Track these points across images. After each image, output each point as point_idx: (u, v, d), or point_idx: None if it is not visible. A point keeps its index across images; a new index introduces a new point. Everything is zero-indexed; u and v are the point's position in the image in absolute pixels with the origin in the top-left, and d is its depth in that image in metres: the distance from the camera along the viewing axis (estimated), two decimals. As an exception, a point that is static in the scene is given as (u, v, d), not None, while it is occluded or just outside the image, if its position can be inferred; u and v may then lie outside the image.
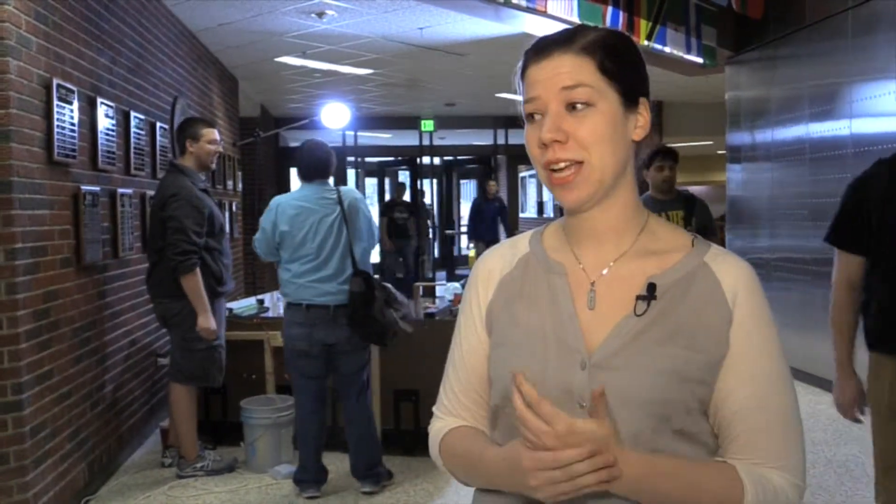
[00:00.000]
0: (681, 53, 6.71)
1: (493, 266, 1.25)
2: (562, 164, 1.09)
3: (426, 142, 12.89)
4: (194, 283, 4.16)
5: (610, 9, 5.86)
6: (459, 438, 1.23)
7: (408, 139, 13.53)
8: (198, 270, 4.17)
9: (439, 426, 1.27)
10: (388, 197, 15.07)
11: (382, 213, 11.60)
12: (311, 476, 4.10)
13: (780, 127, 6.74)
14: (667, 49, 6.53)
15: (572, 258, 1.18)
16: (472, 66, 8.45)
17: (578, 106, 1.08)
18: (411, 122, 12.50)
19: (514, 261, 1.24)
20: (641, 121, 1.14)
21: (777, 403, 1.11)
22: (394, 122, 12.84)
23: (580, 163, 1.09)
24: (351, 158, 13.79)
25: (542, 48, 1.12)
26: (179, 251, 4.12)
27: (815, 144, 6.16)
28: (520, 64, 1.16)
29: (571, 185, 1.10)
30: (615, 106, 1.10)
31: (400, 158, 15.54)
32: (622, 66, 1.12)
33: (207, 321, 4.21)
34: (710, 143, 14.65)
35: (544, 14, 5.42)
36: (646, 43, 6.33)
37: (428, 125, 12.40)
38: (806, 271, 6.24)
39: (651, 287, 1.11)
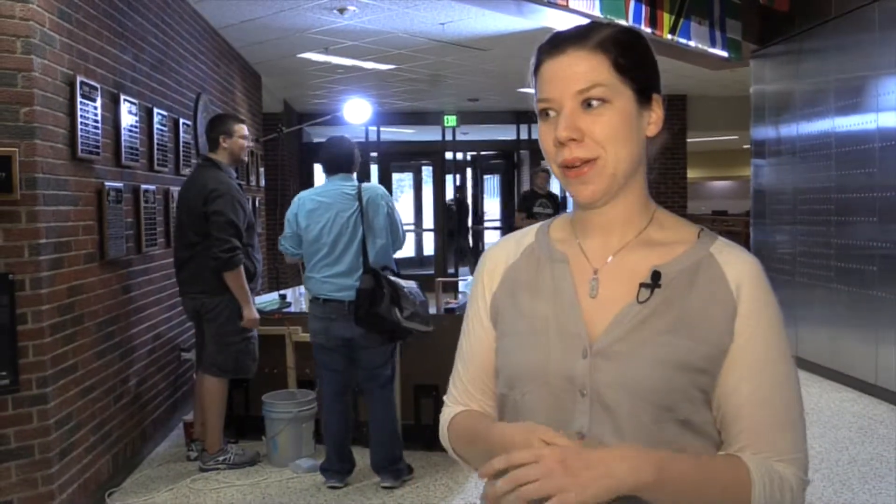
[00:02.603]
0: (705, 47, 6.66)
1: (499, 257, 1.27)
2: (578, 163, 1.10)
3: (449, 137, 12.89)
4: (240, 279, 4.25)
5: (632, 2, 5.82)
6: (466, 417, 1.26)
7: (431, 135, 13.54)
8: (242, 267, 4.25)
9: (448, 412, 1.31)
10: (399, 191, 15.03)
11: (520, 207, 9.84)
12: (334, 466, 4.14)
13: (805, 121, 6.66)
14: (691, 43, 6.48)
15: (577, 248, 1.19)
16: (495, 61, 8.43)
17: (594, 103, 1.09)
18: (434, 118, 12.50)
19: (520, 252, 1.25)
20: (654, 117, 1.15)
21: (782, 397, 1.11)
22: (417, 117, 12.84)
23: (594, 160, 1.09)
24: (374, 154, 13.80)
25: (557, 44, 1.12)
26: (228, 247, 4.19)
27: (841, 139, 6.08)
28: (533, 60, 1.16)
29: (586, 180, 1.10)
30: (630, 103, 1.11)
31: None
32: (636, 64, 1.12)
33: (252, 312, 4.33)
34: (735, 137, 14.52)
35: (566, 8, 5.39)
36: (669, 37, 6.28)
37: (451, 120, 12.41)
38: (831, 267, 6.17)
39: (655, 275, 1.11)
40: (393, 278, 4.00)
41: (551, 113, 1.11)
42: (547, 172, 9.00)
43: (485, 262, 1.29)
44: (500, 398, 1.22)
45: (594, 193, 1.11)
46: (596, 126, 1.08)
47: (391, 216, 4.11)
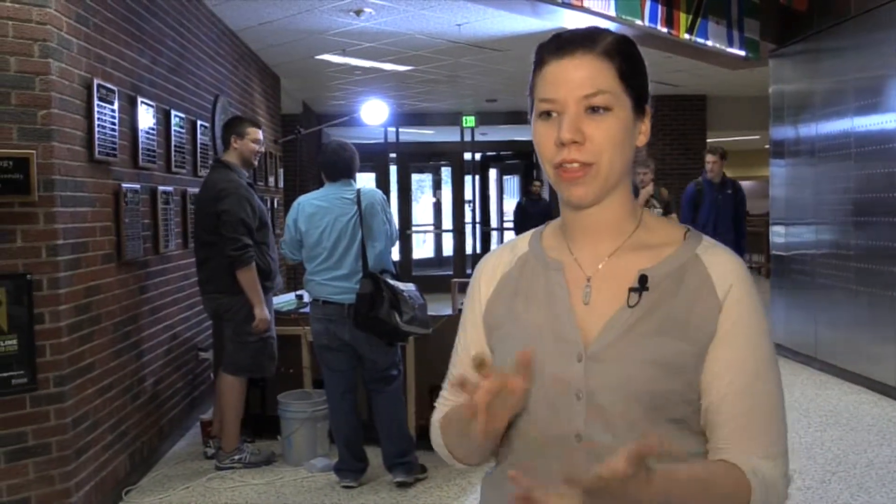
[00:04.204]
0: (722, 47, 6.62)
1: (495, 265, 1.30)
2: (576, 165, 1.11)
3: (468, 138, 12.90)
4: (251, 277, 4.28)
5: (648, 2, 5.80)
6: (454, 410, 1.25)
7: (450, 135, 13.57)
8: (254, 264, 4.27)
9: (437, 415, 1.32)
10: (419, 193, 15.01)
11: None
12: (347, 465, 4.18)
13: (824, 121, 6.61)
14: (708, 42, 6.45)
15: (569, 255, 1.21)
16: (511, 62, 8.44)
17: (599, 110, 1.11)
18: (453, 118, 12.53)
19: (514, 260, 1.28)
20: (644, 128, 1.18)
21: (763, 391, 1.12)
22: (436, 118, 12.88)
23: (591, 164, 1.11)
24: (393, 154, 13.84)
25: (563, 46, 1.14)
26: (238, 245, 4.22)
27: (861, 138, 6.02)
28: (534, 59, 1.17)
29: (579, 182, 1.12)
30: (628, 112, 1.13)
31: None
32: (635, 73, 1.15)
33: (263, 312, 4.35)
34: (757, 137, 14.41)
35: (580, 8, 5.39)
36: (686, 36, 6.26)
37: (469, 121, 12.43)
38: (850, 268, 6.11)
39: (643, 279, 1.14)
40: (392, 282, 4.03)
41: (553, 114, 1.13)
42: (648, 167, 6.99)
43: (481, 268, 1.32)
44: None
45: (585, 195, 1.13)
46: (598, 131, 1.11)
47: (388, 221, 4.17)
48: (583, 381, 1.12)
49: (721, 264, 1.15)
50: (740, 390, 1.10)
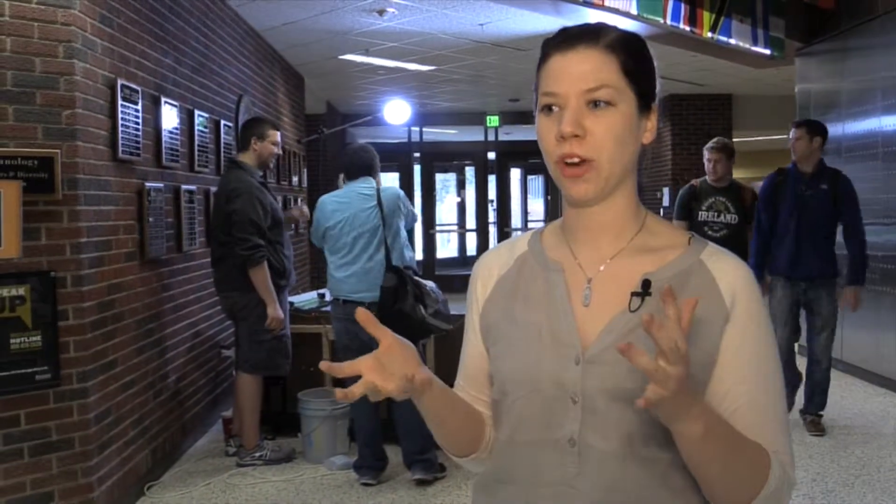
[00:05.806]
0: (747, 45, 6.56)
1: (492, 265, 1.28)
2: (576, 160, 1.10)
3: (491, 137, 12.89)
4: (262, 276, 4.31)
5: (671, 0, 5.76)
6: None
7: (473, 135, 13.56)
8: (265, 263, 4.31)
9: None
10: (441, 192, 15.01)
11: (677, 213, 5.63)
12: (366, 463, 4.20)
13: (851, 120, 6.52)
14: (731, 41, 6.39)
15: (570, 255, 1.19)
16: (534, 61, 8.38)
17: (601, 104, 1.09)
18: (477, 118, 12.52)
19: (512, 260, 1.26)
20: (650, 125, 1.16)
21: (773, 399, 1.12)
22: (459, 117, 12.87)
23: (591, 161, 1.10)
24: (416, 154, 13.87)
25: (567, 40, 1.13)
26: (249, 245, 4.26)
27: (888, 138, 5.94)
28: (540, 53, 1.17)
29: (581, 179, 1.11)
30: (632, 108, 1.12)
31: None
32: (641, 69, 1.13)
33: (276, 311, 4.37)
34: (786, 137, 14.25)
35: (602, 7, 5.37)
36: (709, 35, 6.21)
37: (493, 121, 12.42)
38: (876, 269, 6.02)
39: (646, 283, 1.12)
40: (415, 277, 4.06)
41: (555, 108, 1.12)
42: (721, 152, 5.24)
43: (478, 270, 1.29)
44: (494, 404, 1.23)
45: (587, 192, 1.12)
46: (599, 126, 1.09)
47: (407, 213, 4.22)
48: (579, 384, 1.10)
49: (728, 272, 1.13)
50: (754, 401, 1.10)
